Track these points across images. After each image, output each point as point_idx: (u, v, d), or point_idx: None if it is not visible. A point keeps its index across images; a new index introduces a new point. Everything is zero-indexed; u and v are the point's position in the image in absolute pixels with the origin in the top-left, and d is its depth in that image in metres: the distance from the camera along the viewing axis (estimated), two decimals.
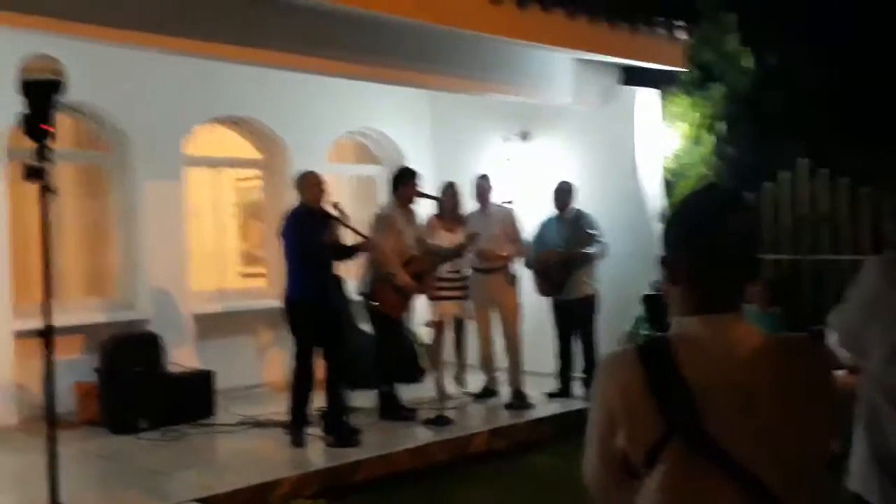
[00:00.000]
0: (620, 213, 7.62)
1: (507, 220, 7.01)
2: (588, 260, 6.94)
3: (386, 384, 6.45)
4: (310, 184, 5.88)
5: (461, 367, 7.30)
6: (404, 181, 6.47)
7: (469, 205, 7.11)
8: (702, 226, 1.62)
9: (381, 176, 8.69)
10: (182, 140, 7.39)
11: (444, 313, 6.76)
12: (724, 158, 7.49)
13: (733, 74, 7.44)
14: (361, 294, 6.50)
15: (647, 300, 7.09)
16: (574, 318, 7.07)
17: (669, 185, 7.73)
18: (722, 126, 7.50)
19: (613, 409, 1.61)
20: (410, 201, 6.50)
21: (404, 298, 6.37)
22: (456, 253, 6.48)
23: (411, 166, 6.90)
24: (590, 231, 6.95)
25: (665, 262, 1.67)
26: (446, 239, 6.68)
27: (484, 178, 7.21)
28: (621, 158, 7.80)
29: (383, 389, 6.42)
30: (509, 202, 7.01)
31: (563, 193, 7.20)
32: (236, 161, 8.12)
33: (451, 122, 8.93)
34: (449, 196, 6.87)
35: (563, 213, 7.16)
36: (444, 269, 6.60)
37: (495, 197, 7.18)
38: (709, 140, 7.52)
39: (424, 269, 6.40)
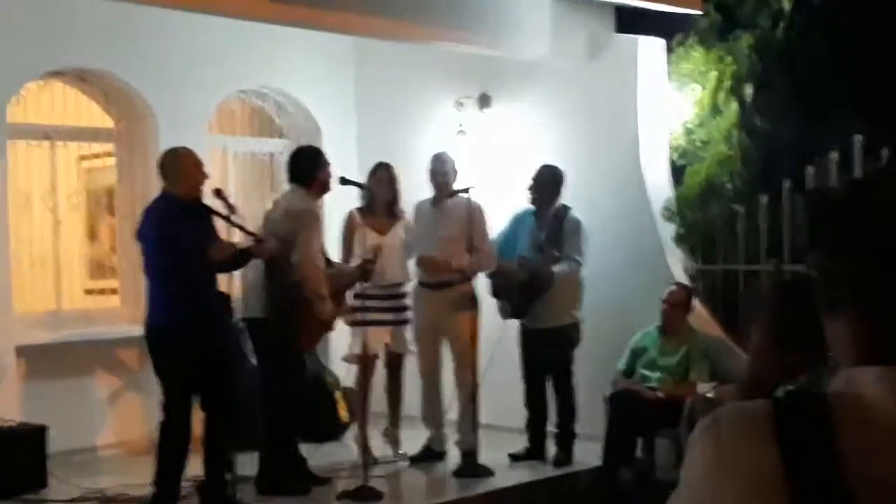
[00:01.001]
0: (612, 208, 7.63)
1: (472, 218, 6.91)
2: (550, 283, 6.96)
3: (281, 441, 6.45)
4: (183, 165, 5.91)
5: (394, 418, 7.34)
6: (317, 164, 6.54)
7: (414, 194, 7.20)
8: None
9: (284, 154, 8.62)
10: (5, 103, 7.30)
11: (372, 345, 6.76)
12: (753, 133, 7.52)
13: (764, 19, 7.52)
14: (252, 318, 6.43)
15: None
16: (546, 353, 7.11)
17: (678, 171, 7.79)
18: (749, 89, 7.53)
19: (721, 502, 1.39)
20: (324, 192, 6.56)
21: (324, 327, 6.50)
22: (358, 276, 6.58)
23: (326, 142, 6.86)
24: (553, 253, 6.96)
25: (821, 277, 1.44)
26: (374, 242, 6.76)
27: (441, 157, 7.17)
28: (616, 132, 7.80)
29: (276, 448, 6.42)
30: (466, 190, 6.85)
31: (546, 185, 7.15)
32: (81, 132, 8.09)
33: (384, 82, 8.98)
34: (381, 183, 6.96)
35: (541, 211, 7.16)
36: (371, 284, 6.65)
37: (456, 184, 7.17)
38: (732, 108, 7.55)
39: (337, 286, 6.50)
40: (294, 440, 6.54)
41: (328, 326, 6.53)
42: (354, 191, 6.93)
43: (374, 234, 6.81)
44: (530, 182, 7.17)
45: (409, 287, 7.03)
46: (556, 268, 6.94)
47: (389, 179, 6.97)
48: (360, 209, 6.99)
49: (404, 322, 7.01)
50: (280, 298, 6.29)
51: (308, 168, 6.53)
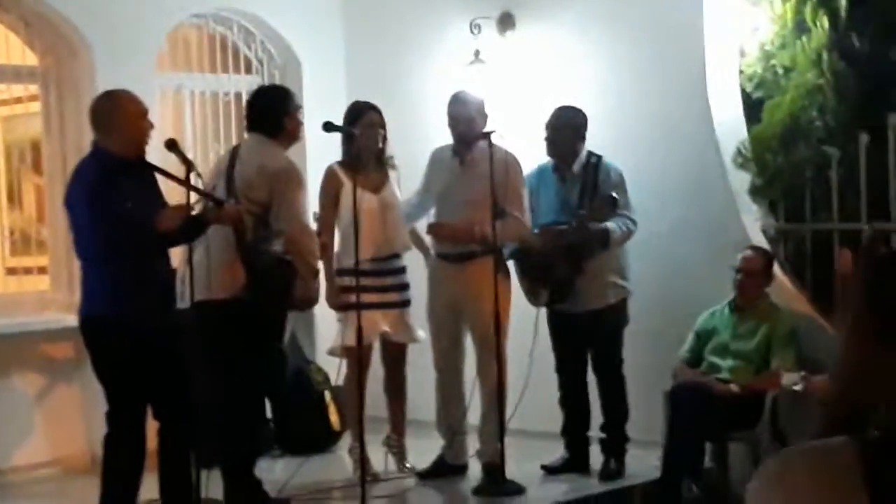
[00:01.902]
0: (670, 154, 7.66)
1: (503, 176, 6.90)
2: (605, 244, 6.94)
3: (249, 453, 6.54)
4: (120, 113, 5.93)
5: (397, 424, 7.37)
6: (284, 109, 6.58)
7: (418, 143, 7.24)
8: None
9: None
10: None
11: (367, 333, 6.72)
12: (849, 58, 7.51)
13: None
14: (206, 302, 6.35)
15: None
16: (589, 340, 7.16)
17: (754, 106, 7.77)
18: (843, 3, 7.47)
19: None
20: (292, 143, 6.65)
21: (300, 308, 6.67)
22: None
23: (308, 78, 6.82)
24: (611, 195, 6.91)
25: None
26: (365, 203, 6.78)
27: (463, 98, 7.12)
28: (674, 58, 7.78)
29: (240, 460, 6.49)
30: (486, 135, 6.89)
31: (564, 130, 7.15)
32: None
33: (380, 1, 8.99)
34: (371, 129, 7.00)
35: (564, 165, 7.16)
36: (364, 254, 6.69)
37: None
38: (822, 25, 7.54)
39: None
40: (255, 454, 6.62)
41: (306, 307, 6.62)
42: (336, 140, 6.99)
43: (368, 194, 6.87)
44: (546, 132, 7.17)
45: (402, 262, 7.15)
46: (611, 225, 6.91)
47: (381, 124, 7.05)
48: (341, 163, 7.05)
49: (406, 304, 7.10)
50: (260, 273, 6.33)
51: (273, 115, 6.55)
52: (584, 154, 7.14)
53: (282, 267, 6.34)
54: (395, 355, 7.22)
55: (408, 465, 7.25)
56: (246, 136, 6.92)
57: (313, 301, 6.65)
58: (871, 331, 1.72)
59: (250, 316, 6.32)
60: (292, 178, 6.43)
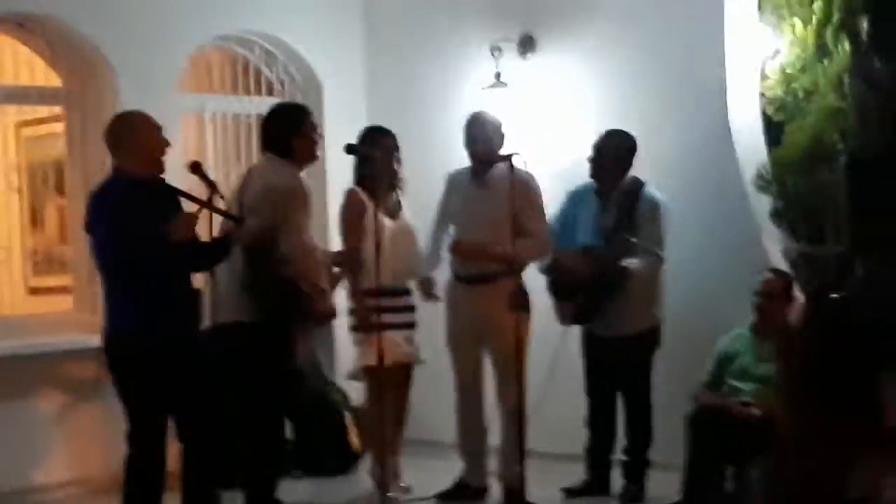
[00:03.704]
0: (691, 177, 7.66)
1: (524, 196, 6.90)
2: (622, 281, 6.96)
3: (270, 475, 6.52)
4: (136, 134, 5.93)
5: (397, 444, 7.30)
6: (296, 128, 6.56)
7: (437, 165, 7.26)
8: None
9: None
10: None
11: (389, 353, 6.74)
12: (870, 80, 7.46)
13: None
14: (224, 325, 6.42)
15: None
16: (619, 365, 7.16)
17: (774, 128, 7.75)
18: (865, 23, 7.46)
19: None
20: (308, 163, 6.61)
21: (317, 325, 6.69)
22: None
23: (329, 100, 6.82)
24: (626, 237, 6.93)
25: None
26: (387, 230, 6.88)
27: (481, 119, 7.15)
28: (695, 81, 7.80)
29: (262, 482, 6.48)
30: (507, 157, 6.88)
31: (607, 153, 7.16)
32: (21, 92, 8.13)
33: (400, 24, 9.06)
34: (388, 153, 7.06)
35: (605, 187, 7.17)
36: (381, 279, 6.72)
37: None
38: (843, 48, 7.50)
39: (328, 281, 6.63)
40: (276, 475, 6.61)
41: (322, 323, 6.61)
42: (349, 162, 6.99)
43: (386, 219, 6.94)
44: (591, 153, 7.17)
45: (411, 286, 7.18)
46: (632, 263, 6.94)
47: (396, 148, 7.09)
48: (359, 186, 7.04)
49: (413, 325, 7.15)
50: (269, 295, 6.33)
51: (283, 134, 6.54)
52: (627, 179, 7.14)
53: (286, 287, 6.31)
54: (406, 375, 7.22)
55: (402, 484, 7.24)
56: (260, 156, 6.91)
57: (328, 316, 6.63)
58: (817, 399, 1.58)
59: (259, 338, 6.33)
60: (295, 199, 6.40)
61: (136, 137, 5.91)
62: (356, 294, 6.92)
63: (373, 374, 6.87)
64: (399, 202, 7.14)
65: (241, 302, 6.37)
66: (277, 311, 6.34)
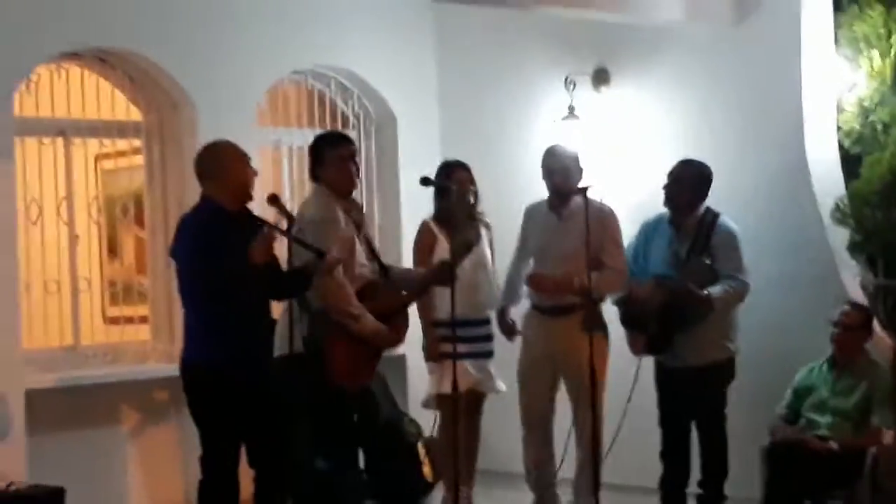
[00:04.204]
0: (768, 210, 7.66)
1: (601, 228, 6.91)
2: (709, 308, 6.88)
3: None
4: (226, 162, 5.98)
5: (469, 475, 7.30)
6: (319, 155, 6.50)
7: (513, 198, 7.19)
8: None
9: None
10: (11, 91, 7.42)
11: (461, 381, 6.69)
12: None
13: None
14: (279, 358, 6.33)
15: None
16: (693, 396, 7.10)
17: (852, 161, 7.71)
18: None
19: None
20: (349, 189, 6.52)
21: (370, 357, 6.49)
22: (434, 278, 6.64)
23: (403, 132, 6.85)
24: (705, 262, 6.93)
25: None
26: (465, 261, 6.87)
27: (558, 152, 7.15)
28: (771, 115, 7.79)
29: None
30: (583, 190, 6.85)
31: (683, 183, 7.13)
32: (102, 126, 8.14)
33: (474, 58, 9.07)
34: (463, 186, 7.07)
35: (680, 217, 7.12)
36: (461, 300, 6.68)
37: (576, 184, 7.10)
38: None
39: (392, 305, 6.47)
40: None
41: (374, 357, 6.48)
42: (428, 195, 7.02)
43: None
44: (667, 181, 7.14)
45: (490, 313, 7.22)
46: (714, 290, 6.87)
47: (471, 181, 7.14)
48: (435, 218, 7.14)
49: (490, 354, 7.19)
50: (310, 326, 6.31)
51: (311, 164, 6.54)
52: (701, 209, 7.11)
53: (320, 321, 6.30)
54: (477, 404, 7.24)
55: None
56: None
57: (370, 338, 6.41)
58: None
59: (306, 371, 6.21)
60: (317, 230, 6.30)
61: (225, 167, 5.96)
62: (427, 324, 6.96)
63: (445, 402, 6.86)
64: (479, 234, 7.15)
65: (282, 336, 6.24)
66: (315, 341, 6.30)
